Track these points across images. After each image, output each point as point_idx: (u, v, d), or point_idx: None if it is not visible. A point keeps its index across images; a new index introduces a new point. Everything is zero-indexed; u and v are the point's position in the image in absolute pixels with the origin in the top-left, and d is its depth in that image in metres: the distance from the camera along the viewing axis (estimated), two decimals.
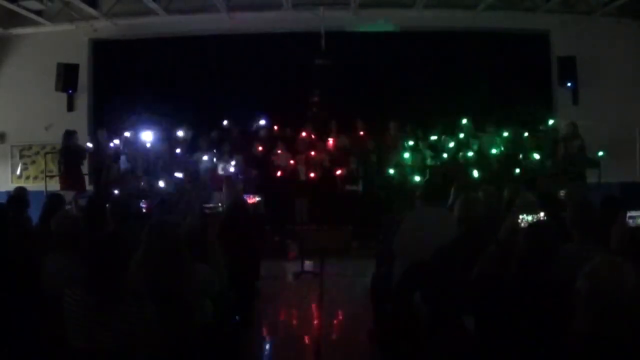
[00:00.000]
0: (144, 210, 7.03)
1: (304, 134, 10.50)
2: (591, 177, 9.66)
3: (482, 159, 9.66)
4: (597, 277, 1.88)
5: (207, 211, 4.72)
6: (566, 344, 1.98)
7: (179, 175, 8.90)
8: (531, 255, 2.72)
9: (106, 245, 2.70)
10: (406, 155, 9.87)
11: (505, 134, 10.02)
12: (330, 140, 10.44)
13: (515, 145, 9.91)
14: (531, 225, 2.89)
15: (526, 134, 10.07)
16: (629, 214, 3.86)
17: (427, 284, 3.68)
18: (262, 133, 10.62)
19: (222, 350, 3.74)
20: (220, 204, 6.44)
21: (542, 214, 3.80)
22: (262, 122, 10.66)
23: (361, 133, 10.52)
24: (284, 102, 10.89)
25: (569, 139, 9.66)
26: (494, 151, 9.87)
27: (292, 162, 10.08)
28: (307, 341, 5.49)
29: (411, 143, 10.11)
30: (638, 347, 1.85)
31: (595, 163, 9.45)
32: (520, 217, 3.49)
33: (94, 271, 2.64)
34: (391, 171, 9.75)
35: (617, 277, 1.87)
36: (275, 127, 10.84)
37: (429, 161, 9.95)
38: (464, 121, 10.24)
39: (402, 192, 8.99)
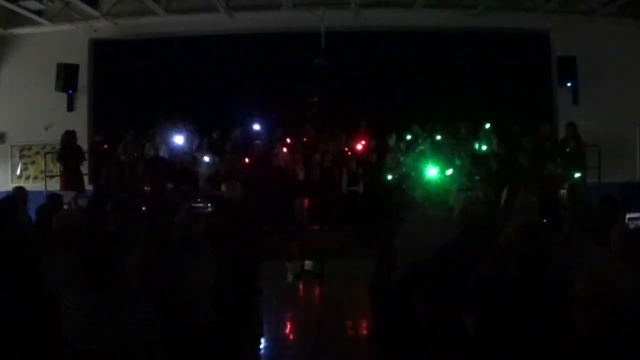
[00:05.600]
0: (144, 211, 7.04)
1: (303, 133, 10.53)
2: (591, 177, 9.67)
3: (481, 160, 9.65)
4: (594, 279, 1.88)
5: (194, 210, 4.82)
6: (566, 344, 1.98)
7: None
8: (528, 255, 2.72)
9: (102, 245, 2.69)
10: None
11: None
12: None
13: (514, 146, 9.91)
14: (525, 225, 2.89)
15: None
16: (629, 215, 3.85)
17: (427, 284, 3.69)
18: (262, 134, 10.65)
19: (222, 350, 3.75)
20: (209, 204, 6.45)
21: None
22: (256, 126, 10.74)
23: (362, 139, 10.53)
24: (283, 102, 10.90)
25: (568, 139, 9.67)
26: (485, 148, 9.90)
27: (291, 161, 10.08)
28: (307, 341, 5.48)
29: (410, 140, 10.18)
30: (636, 347, 1.85)
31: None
32: None
33: (90, 271, 2.64)
34: (389, 177, 9.75)
35: (614, 278, 1.86)
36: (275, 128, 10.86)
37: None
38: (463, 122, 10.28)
39: (402, 192, 8.98)
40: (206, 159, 9.99)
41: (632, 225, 3.77)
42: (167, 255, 3.23)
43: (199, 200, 7.26)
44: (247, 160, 9.99)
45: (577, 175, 9.32)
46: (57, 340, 2.73)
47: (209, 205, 6.05)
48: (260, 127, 10.77)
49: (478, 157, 9.73)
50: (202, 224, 4.25)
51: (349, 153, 10.38)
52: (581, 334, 1.91)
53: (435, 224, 4.38)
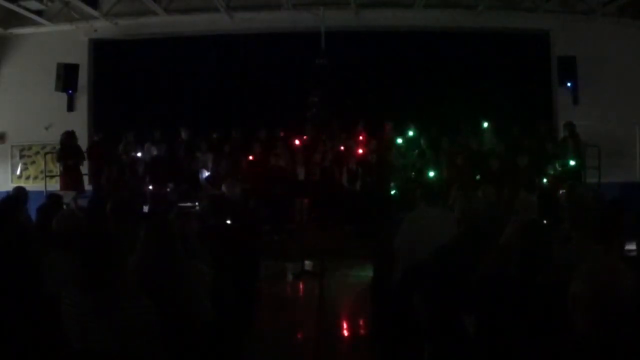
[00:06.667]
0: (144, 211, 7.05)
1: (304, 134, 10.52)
2: (591, 177, 9.67)
3: (480, 159, 9.65)
4: (594, 279, 1.88)
5: (184, 209, 4.86)
6: (566, 344, 1.98)
7: None
8: (528, 255, 2.72)
9: (102, 245, 2.69)
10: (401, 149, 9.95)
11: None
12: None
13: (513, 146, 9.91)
14: (525, 225, 2.89)
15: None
16: (626, 247, 3.87)
17: (427, 284, 3.69)
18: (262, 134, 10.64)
19: (222, 350, 3.74)
20: (197, 203, 6.48)
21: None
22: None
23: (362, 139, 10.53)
24: (283, 102, 10.89)
25: (567, 138, 9.68)
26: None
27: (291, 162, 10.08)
28: (306, 341, 5.48)
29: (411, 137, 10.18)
30: (636, 347, 1.85)
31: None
32: None
33: (90, 271, 2.64)
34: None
35: (614, 278, 1.86)
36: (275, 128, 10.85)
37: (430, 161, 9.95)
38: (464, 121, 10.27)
39: (402, 191, 8.99)
40: (206, 159, 10.00)
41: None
42: (167, 255, 3.22)
43: (197, 200, 7.28)
44: (247, 160, 9.99)
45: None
46: (57, 340, 2.73)
47: (196, 204, 6.08)
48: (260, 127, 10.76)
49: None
50: (192, 223, 4.24)
51: (349, 153, 10.37)
52: (581, 334, 1.91)
53: (435, 224, 4.37)
